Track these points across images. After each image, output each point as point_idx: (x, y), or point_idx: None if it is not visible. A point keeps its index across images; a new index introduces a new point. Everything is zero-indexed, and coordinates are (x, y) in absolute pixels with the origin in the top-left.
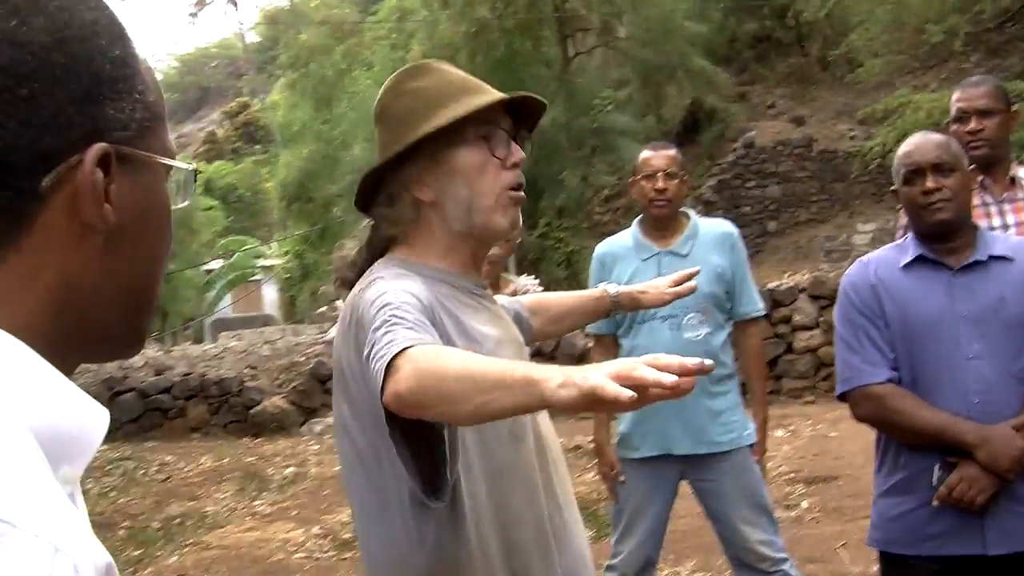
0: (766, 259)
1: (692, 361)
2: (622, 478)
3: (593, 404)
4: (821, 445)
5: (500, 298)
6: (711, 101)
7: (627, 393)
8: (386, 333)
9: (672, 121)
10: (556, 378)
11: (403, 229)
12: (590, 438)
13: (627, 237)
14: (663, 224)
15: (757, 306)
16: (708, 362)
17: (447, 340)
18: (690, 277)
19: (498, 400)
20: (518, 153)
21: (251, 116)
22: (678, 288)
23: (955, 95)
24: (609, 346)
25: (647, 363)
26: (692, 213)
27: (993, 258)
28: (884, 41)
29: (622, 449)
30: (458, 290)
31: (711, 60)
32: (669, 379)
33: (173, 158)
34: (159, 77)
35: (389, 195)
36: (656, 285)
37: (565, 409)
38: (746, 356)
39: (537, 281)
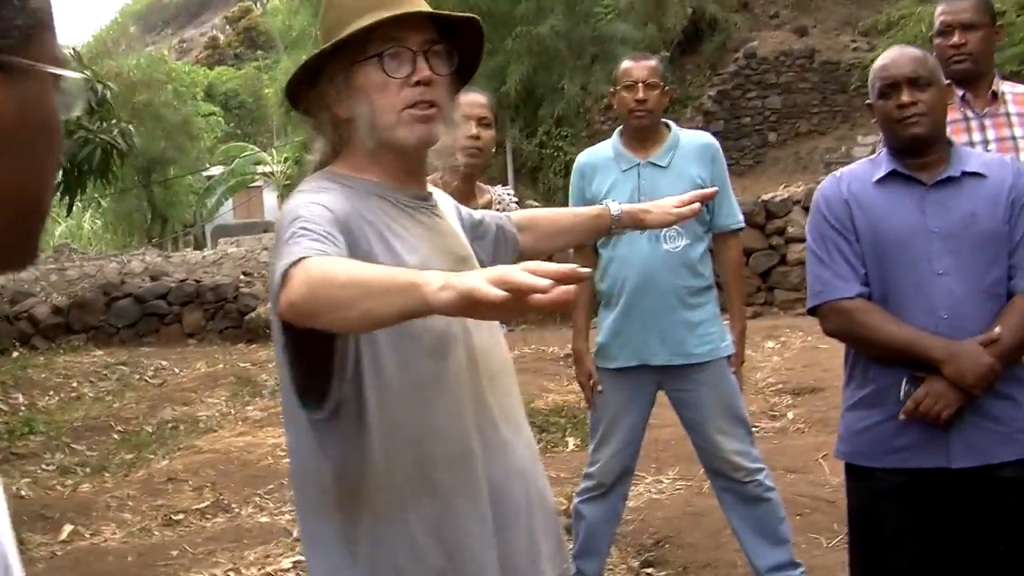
0: (766, 170)
1: (566, 267)
2: (600, 388)
3: (471, 306)
4: (810, 357)
5: (486, 213)
6: (713, 10)
7: (499, 293)
8: (290, 246)
9: (673, 30)
10: (437, 281)
11: (334, 143)
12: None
13: (607, 148)
14: (644, 135)
15: (737, 218)
16: (584, 270)
17: (366, 250)
18: (703, 199)
19: (383, 305)
20: (423, 71)
21: (253, 21)
22: (683, 209)
23: (939, 8)
24: (588, 256)
25: (525, 268)
26: (673, 124)
27: (966, 174)
28: None
29: (600, 359)
30: (388, 201)
31: None
32: (543, 283)
33: (62, 67)
34: None
35: (311, 111)
36: (661, 204)
37: (447, 312)
38: (725, 268)
39: (512, 191)
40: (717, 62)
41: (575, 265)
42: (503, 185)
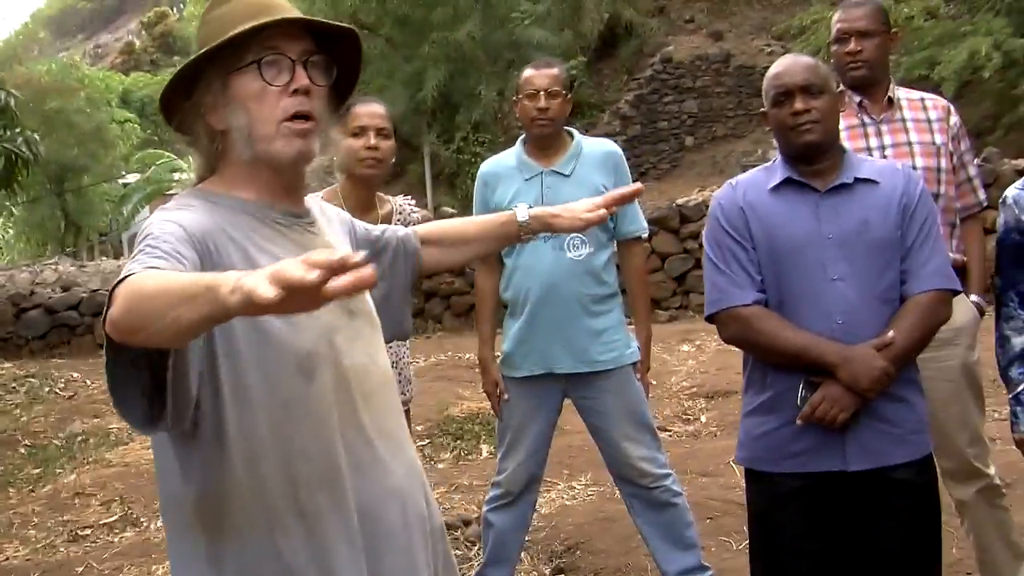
0: (683, 173)
1: (337, 257)
2: (506, 396)
3: (256, 306)
4: (725, 360)
5: (387, 228)
6: (629, 15)
7: (273, 292)
8: (128, 266)
9: (590, 35)
10: (229, 283)
11: (209, 158)
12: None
13: (511, 156)
14: (546, 143)
15: (641, 225)
16: (358, 256)
17: (227, 268)
18: (617, 202)
19: (187, 312)
20: (301, 79)
21: (169, 27)
22: (592, 215)
23: (836, 16)
24: (493, 265)
25: (302, 261)
26: (576, 132)
27: (859, 180)
28: None
29: (505, 368)
30: (256, 219)
31: None
32: (311, 277)
33: None
34: None
35: (185, 124)
36: (572, 208)
37: (241, 312)
38: (629, 275)
39: (413, 201)
40: (633, 67)
41: (350, 254)
42: (404, 196)
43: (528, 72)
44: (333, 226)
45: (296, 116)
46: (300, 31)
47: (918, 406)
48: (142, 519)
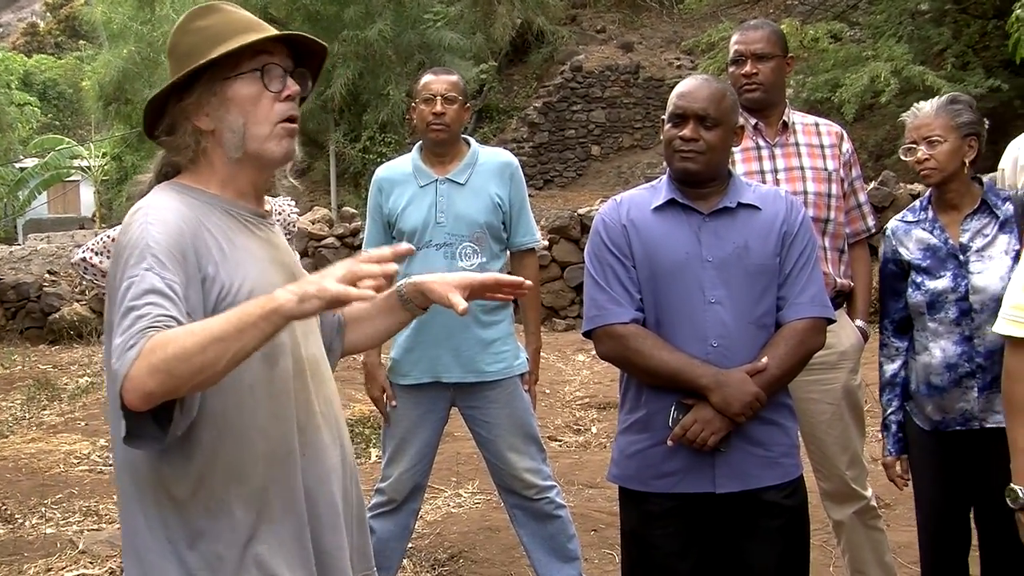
0: (588, 183)
1: (387, 249)
2: (394, 403)
3: (335, 304)
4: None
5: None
6: (541, 23)
7: (364, 292)
8: (131, 317)
9: (501, 41)
10: (292, 299)
11: (187, 157)
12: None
13: (406, 162)
14: (442, 151)
15: (534, 237)
16: (406, 246)
17: (208, 261)
18: (495, 289)
19: (249, 339)
20: (292, 86)
21: (75, 10)
22: (457, 299)
23: (734, 37)
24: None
25: (362, 260)
26: (473, 141)
27: (742, 205)
28: None
29: (393, 375)
30: (232, 216)
31: None
32: (389, 268)
33: None
34: None
35: (171, 124)
36: (447, 280)
37: (313, 315)
38: None
39: (293, 202)
40: (543, 74)
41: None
42: (285, 197)
43: (427, 78)
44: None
45: (287, 118)
46: (283, 45)
47: (790, 430)
48: (16, 516)
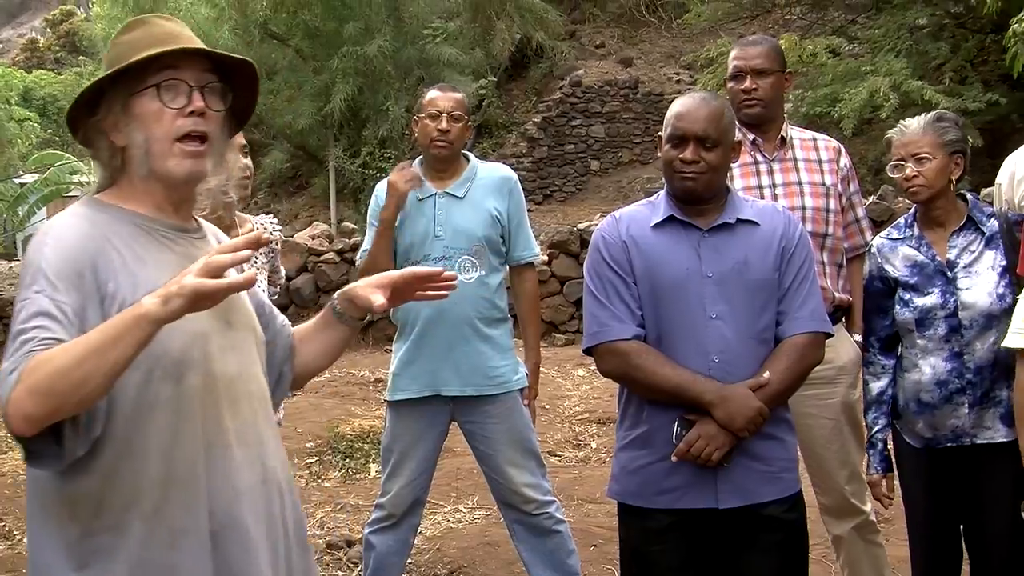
0: (588, 197)
1: (248, 237)
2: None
3: (200, 301)
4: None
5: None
6: (540, 38)
7: (225, 281)
8: (16, 348)
9: (500, 56)
10: (157, 302)
11: (107, 171)
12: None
13: None
14: (442, 166)
15: (533, 251)
16: (256, 232)
17: (111, 275)
18: (421, 280)
19: (121, 350)
20: (197, 102)
21: (75, 26)
22: (374, 299)
23: (732, 53)
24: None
25: (216, 251)
26: (472, 156)
27: (740, 221)
28: None
29: (392, 390)
30: (144, 232)
31: None
32: (241, 253)
33: None
34: None
35: (85, 139)
36: (369, 282)
37: (178, 316)
38: (520, 301)
39: (275, 220)
40: (543, 89)
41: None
42: (267, 215)
43: (433, 94)
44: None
45: (189, 136)
46: (200, 59)
47: (789, 444)
48: (15, 532)
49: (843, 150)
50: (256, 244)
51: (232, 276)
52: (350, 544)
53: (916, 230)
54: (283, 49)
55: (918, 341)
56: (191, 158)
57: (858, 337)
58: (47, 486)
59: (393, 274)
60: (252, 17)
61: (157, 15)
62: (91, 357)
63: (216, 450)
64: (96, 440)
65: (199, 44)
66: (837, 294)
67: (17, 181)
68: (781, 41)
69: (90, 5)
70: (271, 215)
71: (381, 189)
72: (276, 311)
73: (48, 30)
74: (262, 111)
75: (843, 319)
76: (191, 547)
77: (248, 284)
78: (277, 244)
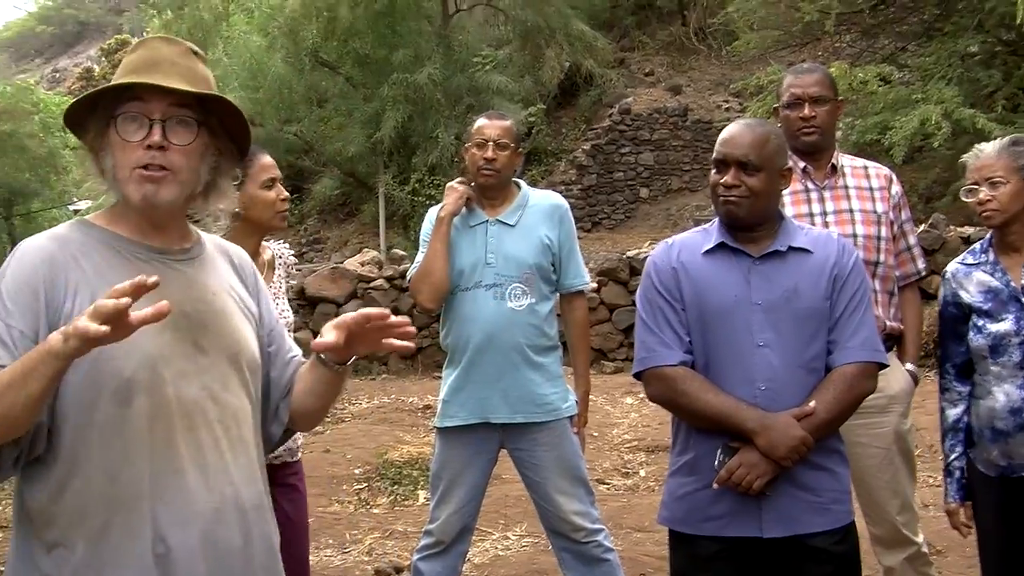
0: (637, 225)
1: (140, 280)
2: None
3: (89, 343)
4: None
5: (286, 340)
6: (589, 66)
7: (97, 327)
8: None
9: (550, 84)
10: (59, 338)
11: (106, 193)
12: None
13: None
14: (492, 193)
15: (583, 279)
16: (152, 279)
17: (69, 295)
18: (371, 320)
19: (33, 384)
20: (154, 136)
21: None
22: (326, 338)
23: (787, 80)
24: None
25: (107, 296)
26: (523, 184)
27: (793, 249)
28: (760, 16)
29: (441, 417)
30: (115, 251)
31: (592, 24)
32: (123, 302)
33: None
34: (34, 8)
35: (86, 160)
36: (332, 324)
37: (81, 353)
38: (570, 328)
39: (290, 248)
40: (592, 116)
41: (144, 277)
42: (282, 242)
43: (481, 122)
44: (232, 270)
45: (148, 165)
46: (171, 92)
47: (841, 476)
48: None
49: (894, 178)
50: (140, 291)
51: (142, 312)
52: (399, 571)
53: (991, 255)
54: (334, 77)
55: (992, 368)
56: (149, 183)
57: (910, 366)
58: (17, 495)
59: (347, 317)
60: (303, 45)
61: (159, 37)
62: (8, 391)
63: (166, 476)
64: (45, 455)
65: (176, 72)
66: (888, 322)
67: (72, 208)
68: (832, 69)
69: (143, 34)
70: (283, 242)
71: (433, 212)
72: (288, 343)
73: (103, 59)
74: (312, 138)
75: (894, 348)
76: (134, 570)
77: (123, 333)
78: (292, 269)
